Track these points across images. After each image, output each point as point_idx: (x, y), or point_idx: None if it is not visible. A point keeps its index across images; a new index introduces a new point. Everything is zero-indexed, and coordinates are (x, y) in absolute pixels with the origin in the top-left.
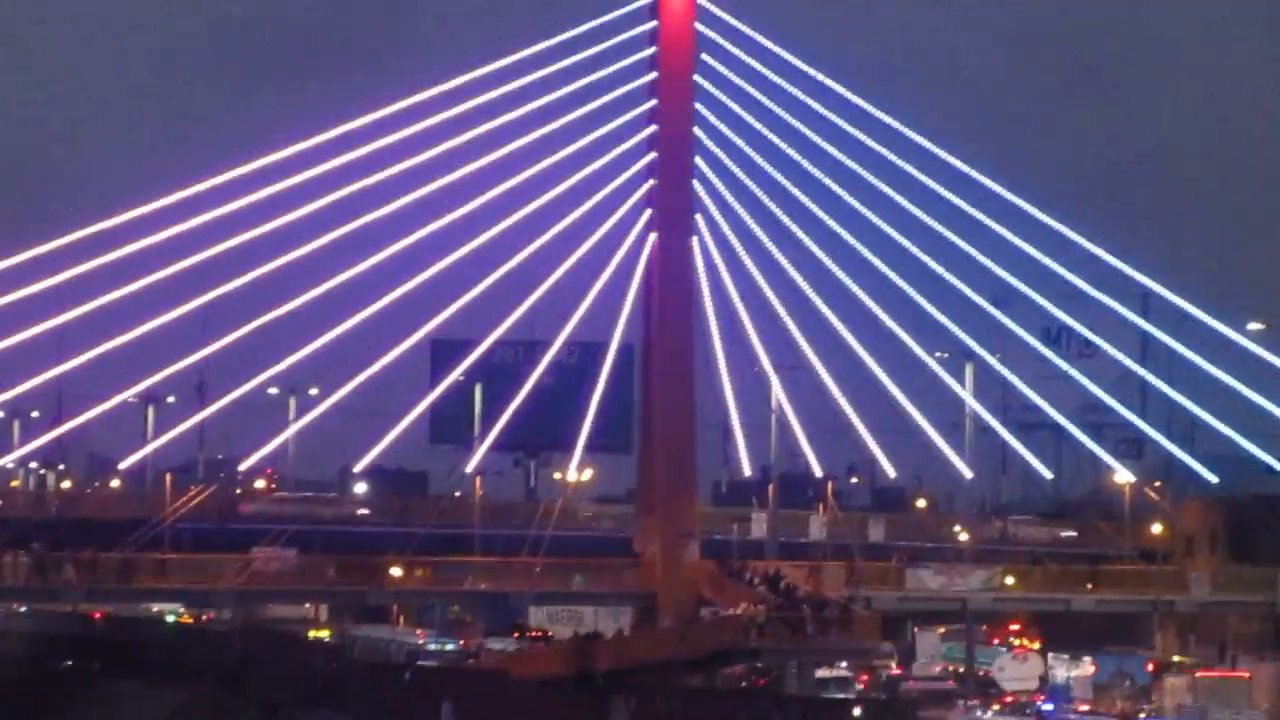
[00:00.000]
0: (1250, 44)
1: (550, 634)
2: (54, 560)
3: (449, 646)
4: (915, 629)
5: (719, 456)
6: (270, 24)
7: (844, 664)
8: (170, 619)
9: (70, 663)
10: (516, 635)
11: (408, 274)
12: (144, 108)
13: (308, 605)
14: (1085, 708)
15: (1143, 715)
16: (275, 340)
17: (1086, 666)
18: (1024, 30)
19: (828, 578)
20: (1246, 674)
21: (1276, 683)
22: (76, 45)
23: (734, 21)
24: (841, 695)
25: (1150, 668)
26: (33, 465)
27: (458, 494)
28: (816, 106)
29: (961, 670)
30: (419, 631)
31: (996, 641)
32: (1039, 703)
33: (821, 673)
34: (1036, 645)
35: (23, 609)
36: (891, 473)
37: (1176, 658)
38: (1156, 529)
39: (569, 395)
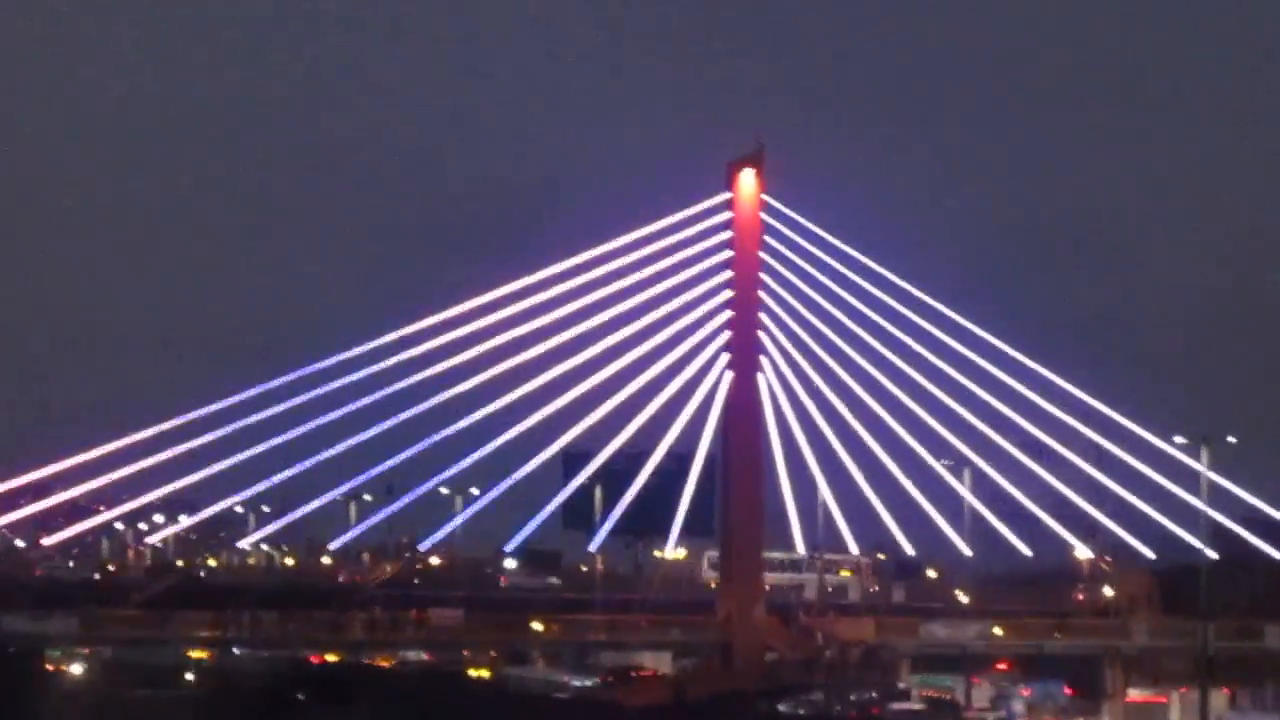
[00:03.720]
0: (1181, 224)
1: (658, 671)
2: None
3: (588, 683)
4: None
5: (780, 538)
6: (439, 218)
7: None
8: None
9: (296, 694)
10: (633, 674)
11: (545, 402)
12: (346, 282)
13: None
14: None
15: None
16: (446, 452)
17: (1022, 690)
18: (1016, 210)
19: (863, 629)
20: (1165, 699)
21: (1191, 705)
22: (309, 228)
23: (790, 212)
24: None
25: (1068, 691)
26: (264, 547)
27: (584, 568)
28: (850, 274)
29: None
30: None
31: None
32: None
33: (898, 706)
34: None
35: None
36: (910, 550)
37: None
38: (1108, 591)
39: (667, 492)
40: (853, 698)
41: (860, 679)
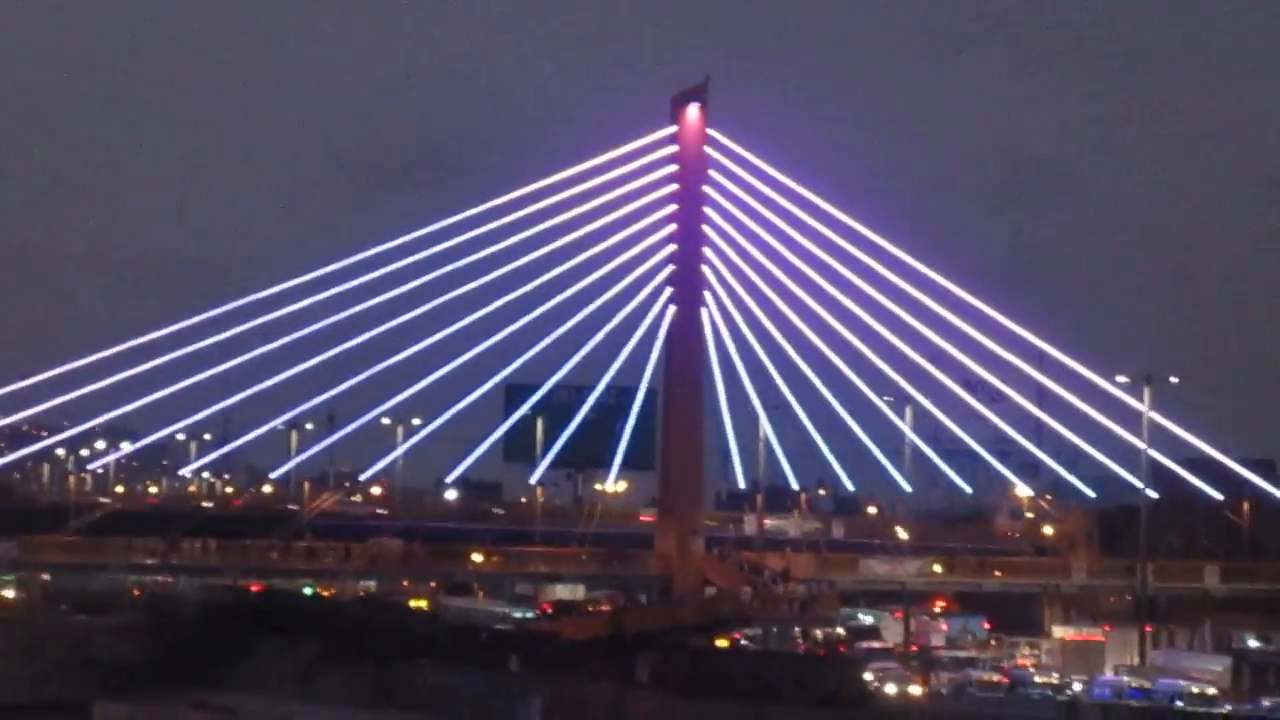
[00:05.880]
0: (1126, 166)
1: (599, 606)
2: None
3: (528, 615)
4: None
5: (720, 473)
6: (384, 148)
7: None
8: (307, 591)
9: (236, 623)
10: (589, 609)
11: (487, 335)
12: (291, 210)
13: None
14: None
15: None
16: (387, 382)
17: (941, 624)
18: (958, 154)
19: (801, 564)
20: (1102, 639)
21: (1117, 645)
22: (253, 159)
23: (736, 147)
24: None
25: (986, 626)
26: (205, 475)
27: (524, 500)
28: (795, 210)
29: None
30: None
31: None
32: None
33: (867, 644)
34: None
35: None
36: (850, 486)
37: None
38: (1047, 530)
39: (608, 426)
40: (819, 635)
41: (806, 616)
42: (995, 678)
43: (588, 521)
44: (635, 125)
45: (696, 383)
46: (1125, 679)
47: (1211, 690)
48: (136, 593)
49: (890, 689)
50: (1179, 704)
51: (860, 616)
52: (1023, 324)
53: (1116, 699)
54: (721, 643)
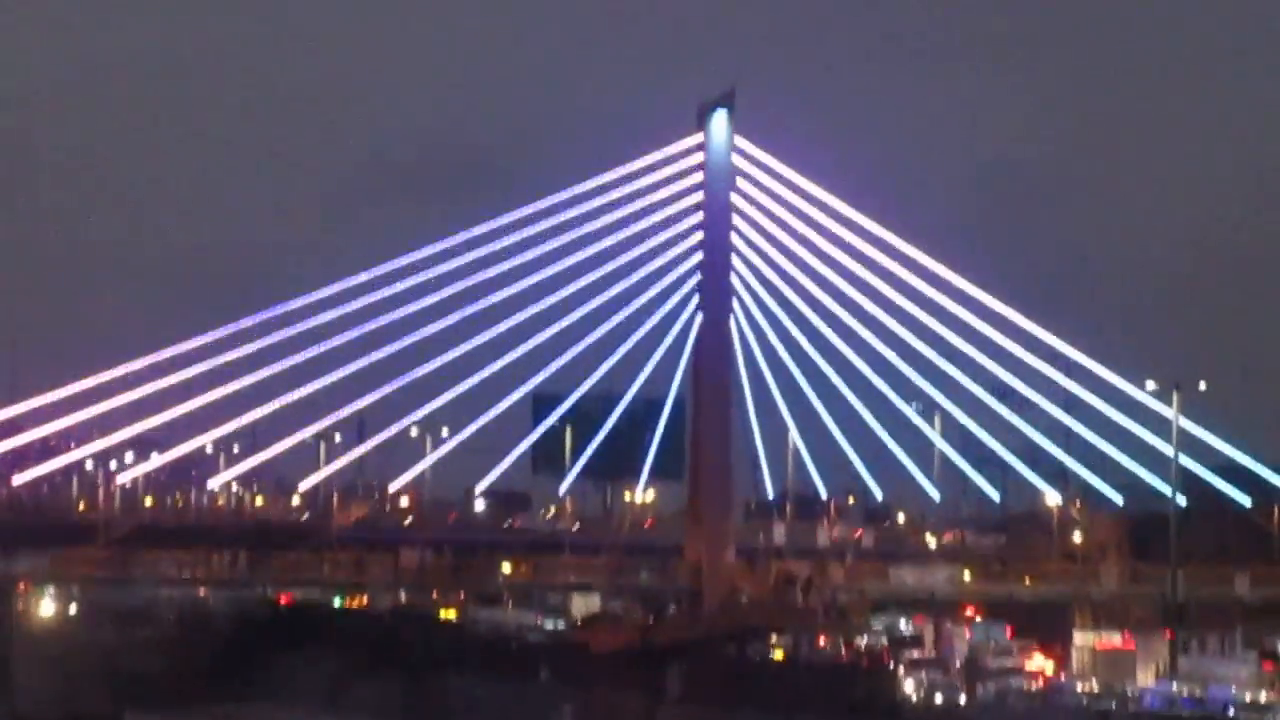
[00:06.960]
0: (1155, 170)
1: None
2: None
3: (560, 625)
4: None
5: (749, 482)
6: (411, 157)
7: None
8: (336, 603)
9: (267, 635)
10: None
11: (515, 345)
12: (320, 219)
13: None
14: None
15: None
16: (416, 393)
17: (964, 631)
18: (989, 157)
19: (831, 573)
20: (1133, 647)
21: (1157, 654)
22: (283, 169)
23: (762, 154)
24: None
25: (1009, 633)
26: (234, 487)
27: (553, 509)
28: (822, 217)
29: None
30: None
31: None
32: None
33: (912, 654)
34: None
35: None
36: (879, 495)
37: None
38: (1077, 538)
39: (637, 436)
40: (861, 645)
41: (838, 624)
42: (1036, 687)
43: (620, 531)
44: (662, 134)
45: (725, 391)
46: (1175, 688)
47: (1265, 698)
48: (173, 608)
49: (937, 699)
50: (1230, 713)
51: (901, 625)
52: (1051, 330)
53: (1168, 708)
54: (778, 655)
